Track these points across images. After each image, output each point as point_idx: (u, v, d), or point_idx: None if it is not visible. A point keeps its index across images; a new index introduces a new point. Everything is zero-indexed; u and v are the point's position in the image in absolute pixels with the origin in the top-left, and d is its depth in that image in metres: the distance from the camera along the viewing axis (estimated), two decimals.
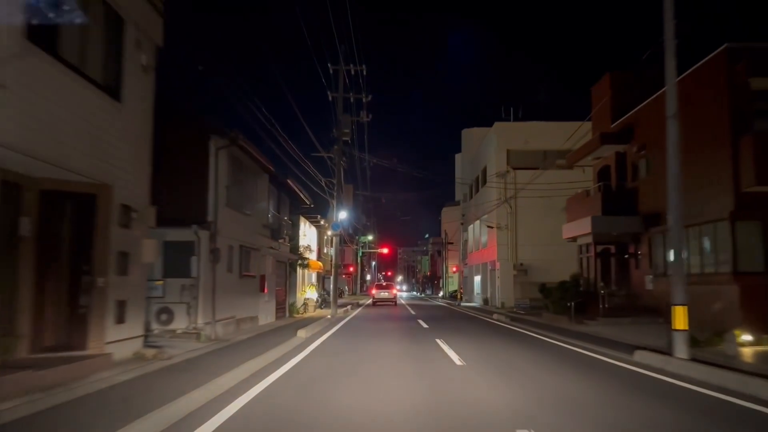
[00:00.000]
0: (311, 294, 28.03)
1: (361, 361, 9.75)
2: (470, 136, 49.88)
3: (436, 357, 10.25)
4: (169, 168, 12.91)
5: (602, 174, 23.81)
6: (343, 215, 26.71)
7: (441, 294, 68.97)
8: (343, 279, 57.97)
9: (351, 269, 65.12)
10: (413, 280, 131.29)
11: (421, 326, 18.42)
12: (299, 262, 24.52)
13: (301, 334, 13.67)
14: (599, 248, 22.12)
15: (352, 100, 26.41)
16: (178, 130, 12.84)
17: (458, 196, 61.87)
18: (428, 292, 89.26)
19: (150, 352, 9.43)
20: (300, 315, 23.82)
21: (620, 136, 21.56)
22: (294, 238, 24.46)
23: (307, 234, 28.44)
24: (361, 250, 66.14)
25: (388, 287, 41.93)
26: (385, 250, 76.73)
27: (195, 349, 10.73)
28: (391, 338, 14.17)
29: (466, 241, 39.47)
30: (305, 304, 25.32)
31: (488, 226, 34.59)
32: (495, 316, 23.64)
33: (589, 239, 21.64)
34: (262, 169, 17.36)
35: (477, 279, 43.19)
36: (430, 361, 9.74)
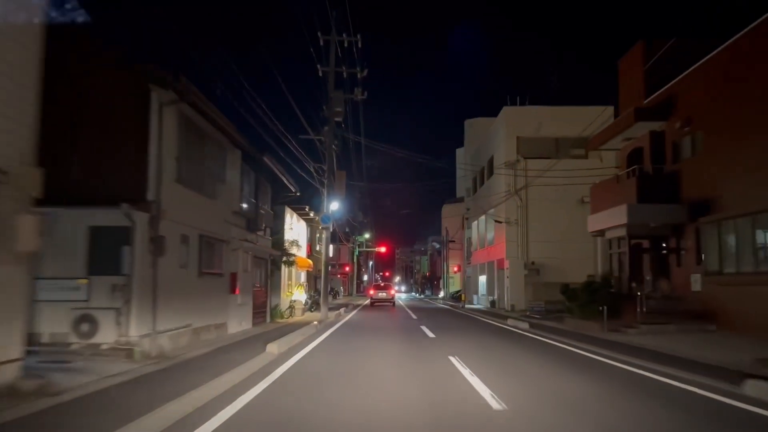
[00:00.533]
0: (299, 295, 24.85)
1: (350, 398, 6.56)
2: (474, 126, 46.77)
3: (458, 391, 7.05)
4: (93, 126, 9.71)
5: (633, 158, 20.67)
6: (335, 206, 23.53)
7: (441, 295, 65.77)
8: (338, 279, 54.78)
9: (347, 269, 61.95)
10: (411, 281, 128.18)
11: (427, 335, 15.26)
12: (284, 259, 21.35)
13: (273, 348, 10.48)
14: (632, 243, 18.97)
15: (345, 75, 23.25)
16: (105, 73, 9.65)
17: (460, 192, 58.88)
18: (428, 293, 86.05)
19: (29, 385, 6.27)
20: (285, 320, 20.63)
21: (658, 111, 18.43)
22: (278, 231, 21.28)
23: (295, 228, 25.25)
24: (357, 249, 62.95)
25: (386, 288, 40.29)
26: (383, 249, 73.58)
27: (116, 374, 7.56)
28: (390, 354, 11.00)
29: (469, 239, 36.36)
30: (291, 307, 22.13)
31: (496, 221, 31.45)
32: (510, 321, 20.47)
33: (622, 232, 18.49)
34: (231, 143, 14.17)
35: (482, 279, 40.03)
36: (453, 401, 6.51)
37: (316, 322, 17.27)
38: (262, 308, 18.49)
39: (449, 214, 65.12)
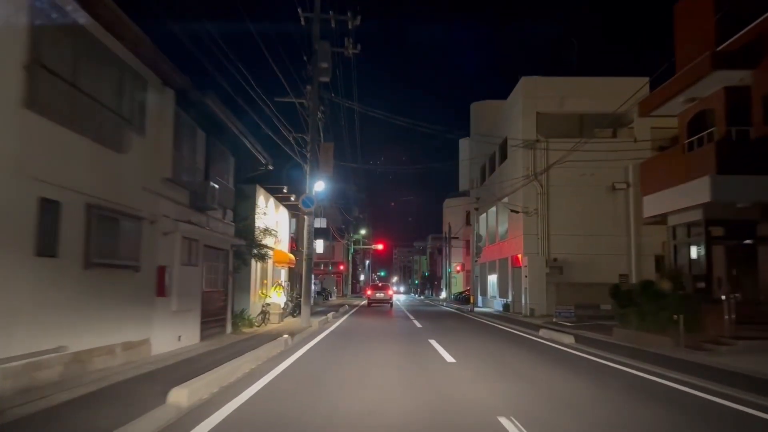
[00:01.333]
0: (277, 298, 20.31)
1: None
2: (481, 110, 42.25)
3: None
4: None
5: (696, 124, 16.21)
6: (320, 186, 18.97)
7: (443, 296, 61.27)
8: (331, 278, 50.30)
9: (341, 267, 57.45)
10: (410, 281, 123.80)
11: (442, 357, 10.75)
12: (254, 251, 16.80)
13: (180, 397, 5.92)
14: (697, 229, 14.48)
15: (333, 24, 18.70)
16: None
17: (463, 186, 54.25)
18: (428, 293, 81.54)
19: None
20: (253, 329, 16.13)
21: (743, 56, 13.94)
22: (246, 216, 16.75)
23: (273, 216, 20.72)
24: (352, 247, 58.41)
25: (383, 288, 38.66)
26: (380, 246, 69.05)
27: None
28: (390, 401, 6.47)
29: (476, 234, 31.88)
30: (264, 313, 17.60)
31: (512, 211, 26.95)
32: (543, 333, 15.93)
33: (696, 215, 14.01)
34: (156, 73, 9.64)
35: (492, 279, 35.53)
36: None
37: (286, 336, 12.74)
38: (219, 315, 13.96)
39: (452, 209, 60.67)
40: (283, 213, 23.43)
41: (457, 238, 52.25)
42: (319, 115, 18.37)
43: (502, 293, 32.01)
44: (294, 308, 22.26)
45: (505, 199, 30.19)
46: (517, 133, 27.82)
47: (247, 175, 17.07)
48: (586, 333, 15.75)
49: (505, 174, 29.86)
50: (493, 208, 33.88)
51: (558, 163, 24.65)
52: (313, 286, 34.00)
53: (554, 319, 21.81)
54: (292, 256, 22.83)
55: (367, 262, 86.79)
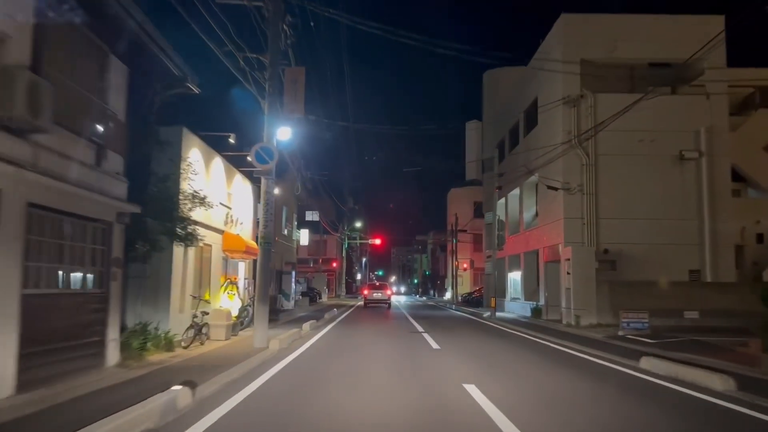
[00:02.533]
0: (229, 302, 14.14)
1: None
2: (496, 79, 36.10)
3: None
4: None
5: None
6: (285, 134, 12.65)
7: (447, 297, 55.06)
8: (322, 276, 44.07)
9: (334, 264, 51.22)
10: (409, 281, 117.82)
11: None
12: (178, 231, 10.49)
13: None
14: None
15: None
16: None
17: (470, 174, 48.05)
18: (431, 294, 75.38)
19: None
20: (172, 353, 10.03)
21: None
22: (165, 177, 10.47)
23: (219, 182, 14.49)
24: (347, 241, 52.14)
25: (381, 287, 35.34)
26: (377, 241, 62.72)
27: None
28: None
29: (498, 220, 25.69)
30: (195, 327, 11.36)
31: (549, 188, 20.73)
32: (650, 364, 9.59)
33: None
34: None
35: (513, 277, 29.35)
36: None
37: (178, 388, 6.51)
38: (84, 338, 7.77)
39: (457, 200, 54.49)
40: (244, 187, 17.20)
41: (465, 230, 46.07)
42: (285, 28, 12.15)
43: (529, 295, 25.83)
44: (250, 318, 16.02)
45: (533, 177, 24.01)
46: (553, 89, 21.63)
47: (176, 119, 10.91)
48: (720, 362, 9.52)
49: (533, 143, 23.65)
50: (515, 191, 27.68)
51: (610, 122, 18.32)
52: (294, 285, 27.90)
53: (620, 332, 15.63)
54: (254, 245, 16.63)
55: (364, 260, 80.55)
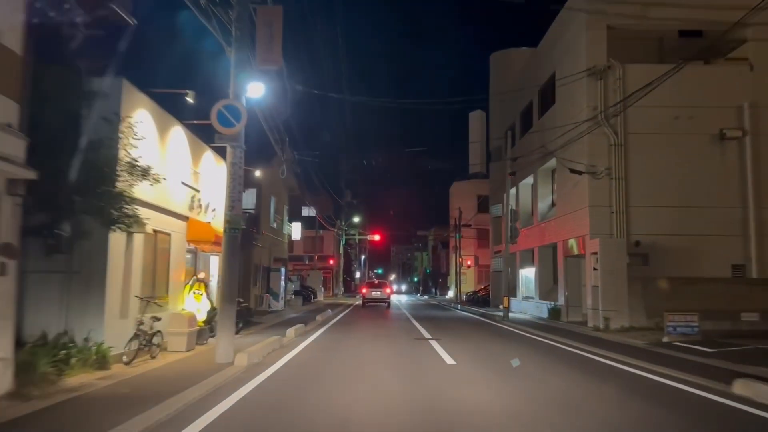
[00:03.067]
0: (195, 304, 11.62)
1: None
2: (504, 60, 33.59)
3: None
4: None
5: None
6: (256, 90, 10.03)
7: (450, 296, 52.55)
8: (317, 274, 41.53)
9: (331, 262, 48.71)
10: (409, 279, 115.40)
11: None
12: (112, 212, 7.91)
13: None
14: None
15: None
16: None
17: (474, 167, 45.46)
18: (433, 292, 72.88)
19: None
20: (106, 372, 7.57)
21: None
22: (98, 142, 7.88)
23: (179, 156, 11.95)
24: (344, 237, 49.59)
25: (381, 285, 34.03)
26: (376, 237, 60.07)
27: None
28: None
29: (511, 211, 23.13)
30: (141, 336, 8.83)
31: (572, 171, 18.16)
32: (748, 389, 7.06)
33: None
34: None
35: (526, 274, 26.84)
36: None
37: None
38: None
39: (460, 194, 52.01)
40: (218, 169, 14.64)
41: (469, 225, 43.56)
42: None
43: (544, 294, 23.31)
44: (236, 321, 13.47)
45: (549, 163, 21.49)
46: (575, 61, 19.09)
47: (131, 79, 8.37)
48: None
49: (550, 124, 21.11)
50: (528, 179, 25.17)
51: (641, 95, 15.63)
52: (284, 283, 25.34)
53: (665, 338, 13.10)
54: (208, 229, 14.11)
55: (363, 257, 78.01)
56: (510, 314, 21.85)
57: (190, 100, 10.41)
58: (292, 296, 28.83)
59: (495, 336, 15.03)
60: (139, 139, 8.56)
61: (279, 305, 22.98)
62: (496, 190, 32.18)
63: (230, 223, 9.01)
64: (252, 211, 21.42)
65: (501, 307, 30.25)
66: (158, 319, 9.46)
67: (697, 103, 17.89)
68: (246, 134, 9.67)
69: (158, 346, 9.54)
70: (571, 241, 19.53)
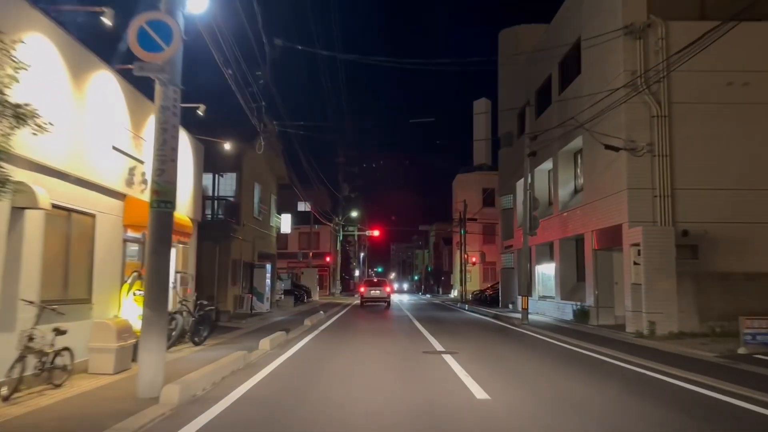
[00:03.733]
0: (137, 308, 8.80)
1: None
2: (514, 38, 30.65)
3: None
4: None
5: None
6: (198, 2, 7.24)
7: (453, 295, 49.73)
8: (312, 271, 38.72)
9: (327, 259, 45.95)
10: (409, 277, 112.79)
11: None
12: None
13: None
14: None
15: None
16: None
17: (478, 159, 42.71)
18: (435, 290, 70.09)
19: None
20: None
21: None
22: None
23: (110, 113, 9.11)
24: (341, 233, 46.73)
25: (380, 284, 32.13)
26: (376, 233, 57.05)
27: None
28: None
29: (531, 198, 20.24)
30: (38, 357, 6.07)
31: (607, 147, 15.29)
32: None
33: None
34: None
35: (543, 271, 24.01)
36: None
37: None
38: None
39: (464, 186, 49.22)
40: (181, 144, 11.83)
41: (475, 219, 40.78)
42: None
43: (567, 293, 20.48)
44: (198, 329, 10.71)
45: (572, 144, 18.68)
46: (607, 19, 16.25)
47: None
48: None
49: (575, 95, 18.28)
50: (546, 164, 22.35)
51: (691, 55, 12.74)
52: (270, 282, 22.45)
53: (741, 349, 10.31)
54: (188, 222, 11.28)
55: (362, 255, 75.21)
56: (529, 316, 19.03)
57: (105, 20, 7.57)
58: (282, 296, 25.99)
59: (523, 347, 12.19)
60: (20, 67, 5.71)
61: (264, 307, 20.13)
62: (506, 180, 29.33)
63: (159, 193, 6.17)
64: (231, 199, 18.57)
65: (511, 306, 27.63)
66: (63, 332, 6.65)
67: (754, 67, 15.09)
68: (219, 99, 6.87)
69: (65, 369, 6.74)
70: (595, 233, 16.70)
